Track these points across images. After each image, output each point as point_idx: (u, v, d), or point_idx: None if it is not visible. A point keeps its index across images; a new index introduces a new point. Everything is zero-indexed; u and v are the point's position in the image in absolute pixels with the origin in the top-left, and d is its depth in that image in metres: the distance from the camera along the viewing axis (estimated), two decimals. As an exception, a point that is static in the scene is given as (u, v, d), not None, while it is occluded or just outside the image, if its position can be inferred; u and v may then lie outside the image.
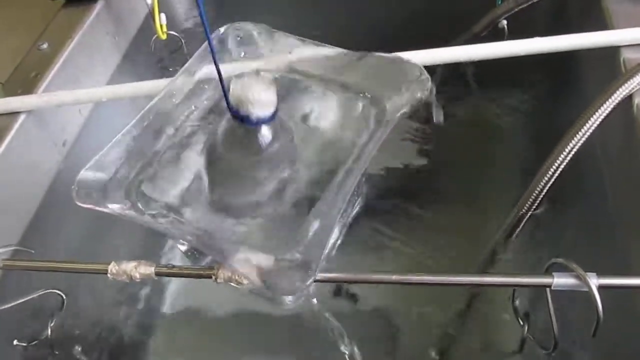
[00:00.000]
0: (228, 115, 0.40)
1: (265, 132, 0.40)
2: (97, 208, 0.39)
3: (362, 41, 0.51)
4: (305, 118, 0.48)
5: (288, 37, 0.49)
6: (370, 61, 0.46)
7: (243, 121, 0.38)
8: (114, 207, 0.39)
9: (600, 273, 0.34)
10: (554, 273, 0.35)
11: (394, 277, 0.36)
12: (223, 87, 0.38)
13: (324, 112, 0.47)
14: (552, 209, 0.51)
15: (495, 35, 0.64)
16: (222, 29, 0.52)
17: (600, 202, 0.50)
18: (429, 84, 0.42)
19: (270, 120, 0.39)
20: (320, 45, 0.48)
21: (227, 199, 0.43)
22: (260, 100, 0.38)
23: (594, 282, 0.34)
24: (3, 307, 0.43)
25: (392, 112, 0.42)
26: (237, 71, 0.50)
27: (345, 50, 0.47)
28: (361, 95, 0.45)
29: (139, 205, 0.39)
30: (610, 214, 0.48)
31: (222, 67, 0.50)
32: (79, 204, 0.39)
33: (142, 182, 0.42)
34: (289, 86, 0.48)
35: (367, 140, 0.42)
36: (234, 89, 0.38)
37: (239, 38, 0.51)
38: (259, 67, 0.50)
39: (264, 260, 0.33)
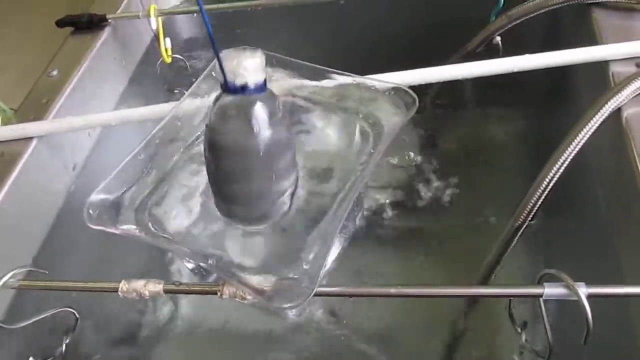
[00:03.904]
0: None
1: (260, 111, 0.38)
2: (108, 230, 0.40)
3: (359, 62, 0.53)
4: (306, 139, 0.49)
5: (288, 61, 0.51)
6: (366, 85, 0.48)
7: (243, 90, 0.37)
8: (123, 229, 0.41)
9: (594, 281, 0.35)
10: (545, 283, 0.36)
11: (392, 290, 0.38)
12: (220, 64, 0.37)
13: (325, 133, 0.49)
14: (548, 219, 0.53)
15: (490, 50, 0.66)
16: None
17: (593, 211, 0.51)
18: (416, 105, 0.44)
19: (263, 88, 0.38)
20: (319, 69, 0.49)
21: (230, 200, 0.42)
22: (252, 65, 0.37)
23: (583, 291, 0.35)
24: (19, 325, 0.45)
25: (388, 132, 0.44)
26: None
27: (344, 74, 0.49)
28: (359, 117, 0.47)
29: (148, 227, 0.41)
30: (603, 222, 0.49)
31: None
32: (91, 226, 0.40)
33: (151, 205, 0.43)
34: (290, 109, 0.50)
35: (366, 159, 0.44)
36: (227, 62, 0.37)
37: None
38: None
39: (266, 281, 0.35)
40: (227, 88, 0.37)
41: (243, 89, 0.37)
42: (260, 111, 0.38)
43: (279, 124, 0.39)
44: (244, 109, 0.38)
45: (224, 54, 0.36)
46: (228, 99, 0.38)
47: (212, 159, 0.40)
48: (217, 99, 0.39)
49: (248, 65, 0.36)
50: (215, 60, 0.53)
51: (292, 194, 0.43)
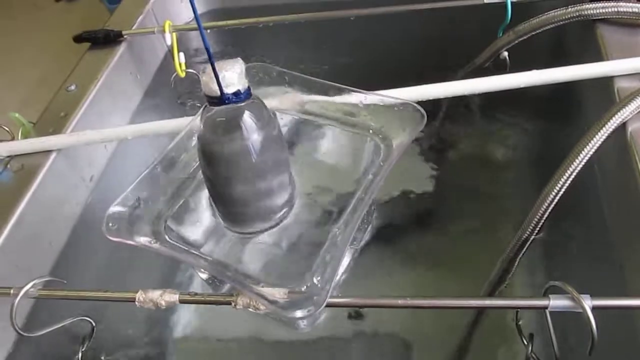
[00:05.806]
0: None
1: (247, 120, 0.41)
2: (126, 241, 0.42)
3: (369, 78, 0.54)
4: (318, 154, 0.51)
5: (300, 77, 0.52)
6: (376, 100, 0.49)
7: (228, 101, 0.39)
8: (141, 241, 0.42)
9: (599, 292, 0.36)
10: (550, 295, 0.37)
11: (400, 302, 0.39)
12: (216, 74, 0.38)
13: (335, 148, 0.50)
14: (553, 232, 0.53)
15: (497, 65, 0.67)
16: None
17: (598, 224, 0.52)
18: (425, 120, 0.45)
19: (247, 95, 0.40)
20: (330, 85, 0.50)
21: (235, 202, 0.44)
22: (230, 77, 0.39)
23: (588, 303, 0.36)
24: (38, 334, 0.46)
25: (398, 147, 0.45)
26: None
27: (354, 90, 0.50)
28: (369, 132, 0.49)
29: (165, 238, 0.42)
30: (608, 236, 0.50)
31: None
32: (109, 237, 0.41)
33: (167, 217, 0.45)
34: (302, 125, 0.51)
35: (375, 173, 0.45)
36: (205, 79, 0.39)
37: (255, 79, 0.54)
38: (273, 107, 0.53)
39: (278, 292, 0.36)
40: (222, 100, 0.39)
41: (232, 97, 0.39)
42: (249, 117, 0.40)
43: (267, 126, 0.41)
44: (235, 116, 0.40)
45: (207, 70, 0.38)
46: (219, 109, 0.40)
47: (207, 166, 0.43)
48: (204, 111, 0.41)
49: (232, 75, 0.38)
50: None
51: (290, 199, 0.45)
